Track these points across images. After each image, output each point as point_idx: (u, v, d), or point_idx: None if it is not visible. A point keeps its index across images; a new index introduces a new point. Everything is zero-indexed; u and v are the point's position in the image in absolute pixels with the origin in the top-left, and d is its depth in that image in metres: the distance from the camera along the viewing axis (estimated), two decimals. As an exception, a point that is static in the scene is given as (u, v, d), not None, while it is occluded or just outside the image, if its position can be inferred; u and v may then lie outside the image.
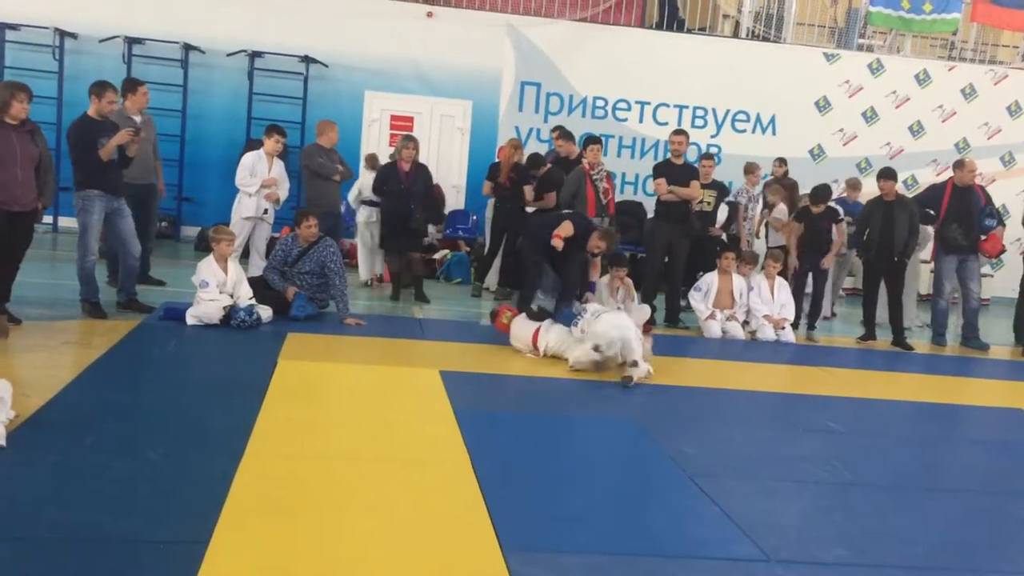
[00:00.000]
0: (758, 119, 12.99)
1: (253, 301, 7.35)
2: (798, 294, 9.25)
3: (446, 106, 12.61)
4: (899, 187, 9.61)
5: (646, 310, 8.42)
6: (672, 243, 9.19)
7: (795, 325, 9.09)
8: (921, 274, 10.75)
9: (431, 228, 11.49)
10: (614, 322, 6.81)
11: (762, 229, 11.00)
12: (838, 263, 10.37)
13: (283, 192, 9.07)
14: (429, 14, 12.49)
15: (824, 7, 14.39)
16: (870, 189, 9.66)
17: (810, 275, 9.37)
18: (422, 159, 9.69)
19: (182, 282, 8.14)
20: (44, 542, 3.22)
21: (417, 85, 12.57)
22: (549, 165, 10.04)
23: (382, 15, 12.35)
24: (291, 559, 3.24)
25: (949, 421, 6.52)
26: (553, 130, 10.79)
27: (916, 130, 13.27)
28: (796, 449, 5.30)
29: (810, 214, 9.31)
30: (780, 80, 12.83)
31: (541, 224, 8.37)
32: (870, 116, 13.18)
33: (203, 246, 10.32)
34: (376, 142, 12.32)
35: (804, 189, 10.91)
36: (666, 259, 9.34)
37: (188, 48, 11.99)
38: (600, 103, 12.73)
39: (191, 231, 12.03)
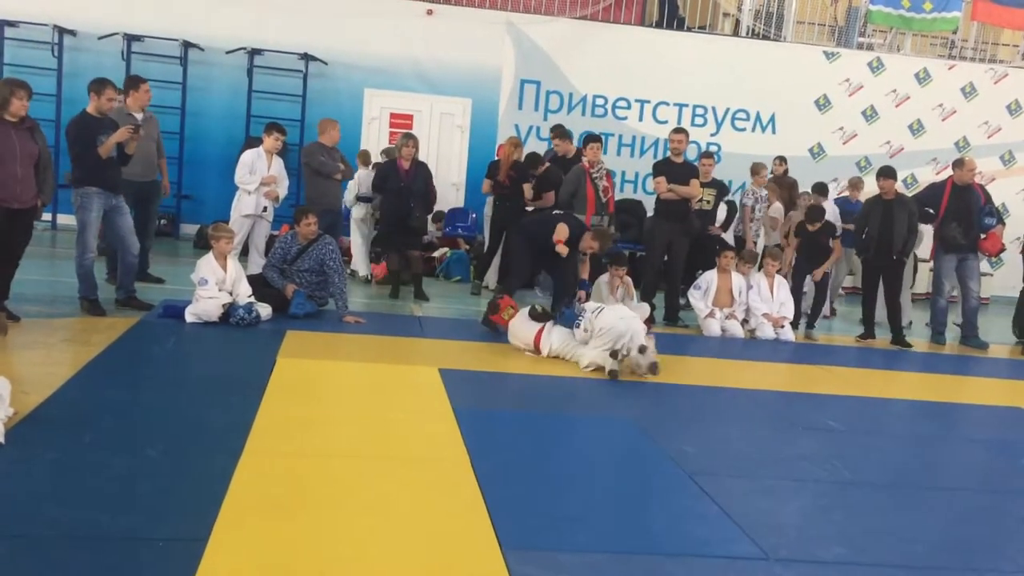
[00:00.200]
0: (758, 117, 13.00)
1: (252, 299, 7.34)
2: (797, 293, 9.25)
3: (446, 104, 12.60)
4: (899, 186, 9.61)
5: (645, 308, 8.42)
6: (672, 241, 9.19)
7: (795, 324, 9.09)
8: (918, 273, 10.75)
9: (431, 226, 11.49)
10: (618, 315, 6.86)
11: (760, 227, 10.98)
12: (837, 263, 10.38)
13: (282, 190, 9.07)
14: (429, 12, 12.48)
15: (824, 6, 14.40)
16: (872, 188, 9.65)
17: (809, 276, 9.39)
18: (422, 157, 9.67)
19: (181, 280, 8.14)
20: (43, 539, 3.22)
21: (417, 83, 12.56)
22: (547, 164, 10.04)
23: (382, 13, 12.34)
24: (290, 557, 3.24)
25: (948, 420, 6.52)
26: (552, 130, 10.79)
27: (916, 129, 13.28)
28: (795, 448, 5.30)
29: (807, 232, 9.33)
30: (780, 78, 12.84)
31: (530, 224, 8.37)
32: (870, 115, 13.18)
33: (202, 244, 10.32)
34: (376, 140, 12.32)
35: (804, 187, 10.93)
36: (665, 257, 9.34)
37: (187, 45, 11.98)
38: (600, 101, 12.73)
39: (190, 229, 12.03)
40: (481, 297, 9.86)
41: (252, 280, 7.61)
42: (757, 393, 6.63)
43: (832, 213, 10.64)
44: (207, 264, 7.23)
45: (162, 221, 11.40)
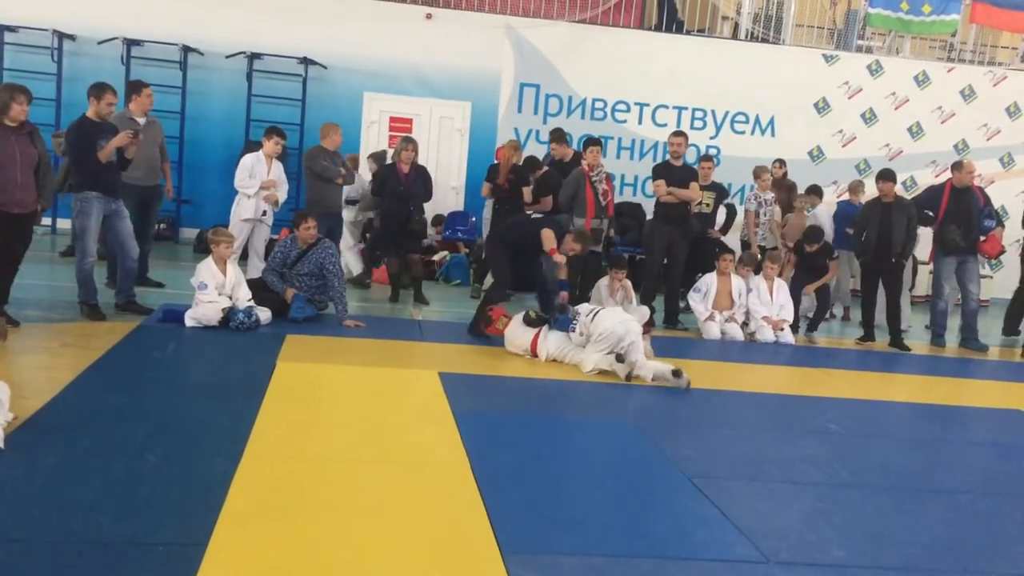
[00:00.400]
0: (757, 120, 13.00)
1: (252, 303, 7.35)
2: (795, 296, 9.25)
3: (445, 108, 12.59)
4: (898, 188, 9.62)
5: (645, 311, 8.43)
6: (671, 244, 9.19)
7: (794, 327, 9.09)
8: (918, 275, 10.75)
9: (430, 230, 11.49)
10: (617, 318, 6.88)
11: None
12: (844, 265, 10.41)
13: (282, 194, 9.07)
14: (428, 16, 12.50)
15: (823, 9, 14.41)
16: (873, 191, 9.67)
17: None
18: (421, 161, 9.68)
19: (181, 284, 8.14)
20: (42, 544, 3.22)
21: (416, 87, 12.56)
22: (545, 168, 10.06)
23: (381, 17, 12.36)
24: (290, 561, 3.24)
25: (948, 422, 6.52)
26: (550, 134, 10.81)
27: (915, 131, 13.28)
28: (795, 450, 5.30)
29: (804, 252, 9.33)
30: (779, 81, 12.84)
31: (505, 230, 8.33)
32: (869, 117, 13.19)
33: (202, 248, 10.33)
34: (375, 144, 12.31)
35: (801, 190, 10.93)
36: (665, 260, 9.35)
37: (187, 50, 11.99)
38: (599, 104, 12.74)
39: (190, 233, 12.03)
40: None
41: (252, 284, 7.62)
42: (757, 396, 6.63)
43: (825, 216, 10.67)
44: (207, 268, 7.23)
45: (162, 225, 11.41)
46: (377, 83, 12.43)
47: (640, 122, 12.83)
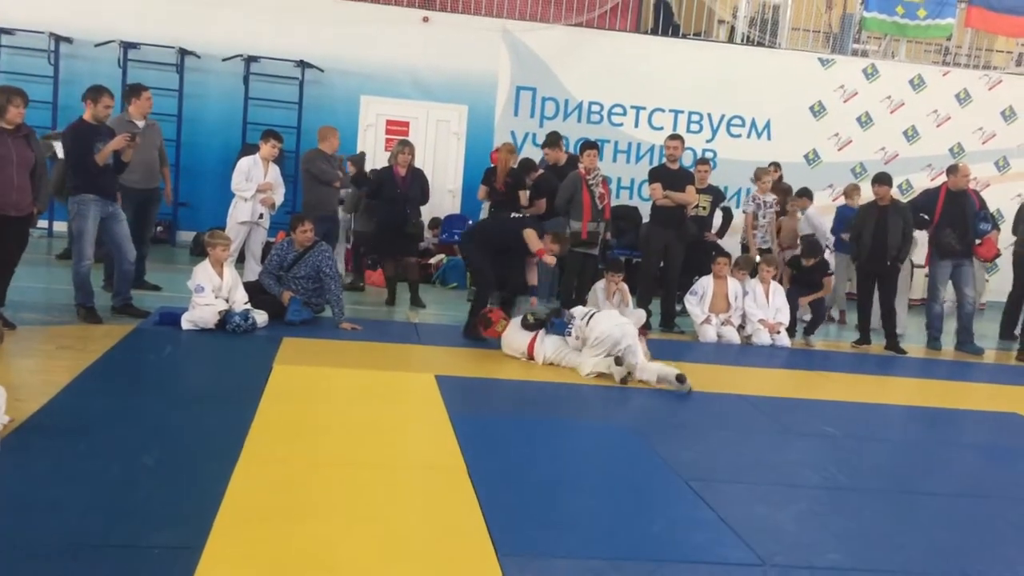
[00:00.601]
0: (753, 124, 13.03)
1: (248, 306, 7.34)
2: (793, 304, 9.25)
3: (442, 111, 12.62)
4: (894, 192, 9.63)
5: (641, 314, 8.44)
6: (668, 248, 9.20)
7: (791, 330, 9.10)
8: (914, 279, 10.76)
9: (427, 233, 11.50)
10: (612, 321, 6.90)
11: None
12: (841, 268, 10.42)
13: (279, 197, 9.08)
14: (425, 19, 12.51)
15: (819, 12, 14.44)
16: (868, 194, 9.68)
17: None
18: (418, 164, 9.68)
19: (178, 287, 8.14)
20: (38, 547, 3.21)
21: (413, 90, 12.57)
22: (541, 171, 10.07)
23: (378, 20, 12.36)
24: (286, 564, 3.24)
25: (944, 425, 6.53)
26: (546, 138, 10.81)
27: (911, 135, 13.31)
28: (791, 453, 5.31)
29: (800, 266, 9.32)
30: (775, 85, 12.87)
31: (480, 230, 8.30)
32: (865, 121, 13.22)
33: (199, 251, 10.32)
34: (372, 147, 12.33)
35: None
36: (661, 264, 9.35)
37: (184, 53, 11.99)
38: (596, 108, 12.75)
39: (187, 236, 12.02)
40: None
41: (248, 287, 7.61)
42: (753, 399, 6.64)
43: (817, 219, 10.67)
44: (203, 271, 7.23)
45: (158, 228, 11.39)
46: (374, 86, 12.44)
47: (636, 125, 12.85)
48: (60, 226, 11.20)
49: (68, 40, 11.84)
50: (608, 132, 12.70)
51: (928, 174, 13.16)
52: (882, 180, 9.17)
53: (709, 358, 8.12)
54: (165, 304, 7.72)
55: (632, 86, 12.73)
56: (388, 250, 9.35)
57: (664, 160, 9.57)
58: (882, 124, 13.23)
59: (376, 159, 11.93)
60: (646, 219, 10.13)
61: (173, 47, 11.92)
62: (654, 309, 9.25)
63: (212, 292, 7.17)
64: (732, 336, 8.86)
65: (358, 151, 11.49)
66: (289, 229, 8.17)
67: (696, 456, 5.03)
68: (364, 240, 10.42)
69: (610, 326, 6.78)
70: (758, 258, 9.57)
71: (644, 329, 8.31)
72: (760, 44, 13.52)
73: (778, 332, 8.90)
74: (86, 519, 3.46)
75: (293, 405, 5.31)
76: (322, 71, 12.34)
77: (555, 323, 7.17)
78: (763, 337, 8.86)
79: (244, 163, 8.95)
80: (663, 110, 12.87)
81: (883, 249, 9.01)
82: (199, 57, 12.09)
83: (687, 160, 10.93)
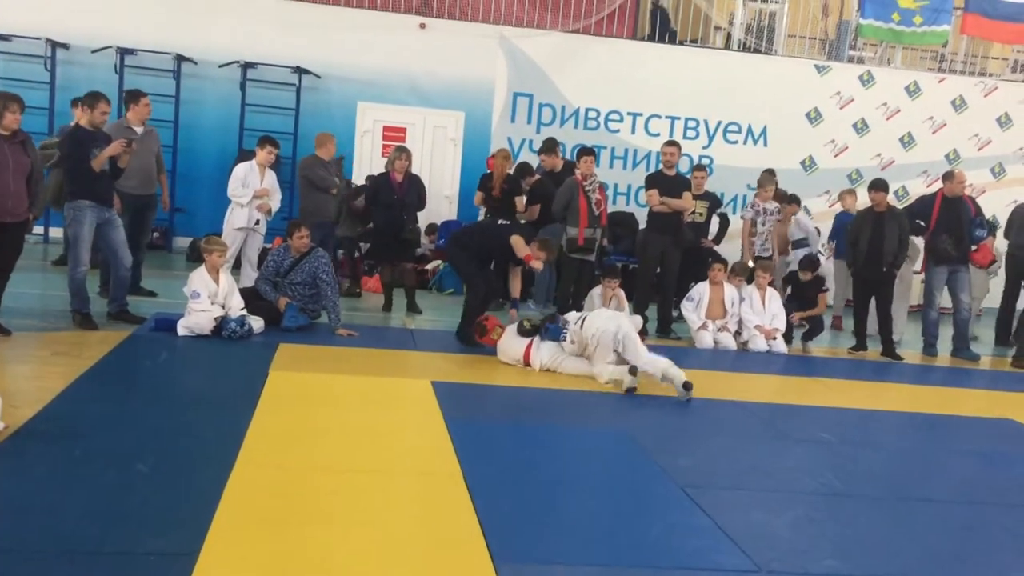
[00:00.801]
0: (750, 130, 13.04)
1: (245, 312, 7.34)
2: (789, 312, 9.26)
3: (439, 117, 12.62)
4: (890, 198, 9.64)
5: (638, 320, 8.42)
6: (664, 254, 9.21)
7: (788, 337, 9.09)
8: (913, 286, 10.77)
9: (424, 239, 11.50)
10: (603, 317, 6.96)
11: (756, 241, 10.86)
12: (839, 274, 10.41)
13: (275, 203, 9.08)
14: (422, 25, 12.52)
15: (815, 19, 14.47)
16: (865, 198, 9.69)
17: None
18: (414, 170, 9.70)
19: (173, 293, 8.12)
20: (33, 554, 3.21)
21: (410, 96, 12.58)
22: (537, 177, 10.09)
23: (375, 26, 12.37)
24: (282, 570, 3.24)
25: (940, 432, 6.54)
26: (541, 144, 10.84)
27: (907, 141, 13.33)
28: (788, 460, 5.31)
29: (797, 281, 9.33)
30: (771, 91, 12.89)
31: (463, 235, 8.27)
32: (861, 127, 13.24)
33: (195, 257, 10.31)
34: (369, 153, 12.35)
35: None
36: (658, 270, 9.36)
37: (180, 59, 11.99)
38: (592, 114, 12.76)
39: (183, 242, 12.01)
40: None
41: (245, 293, 7.62)
42: (749, 405, 6.64)
43: (809, 223, 10.67)
44: (199, 277, 7.23)
45: (155, 234, 11.39)
46: (371, 92, 12.45)
47: (633, 132, 12.86)
48: (56, 232, 11.19)
49: (65, 46, 11.84)
50: (605, 138, 12.71)
51: (924, 180, 13.17)
52: (878, 187, 9.18)
53: (705, 364, 8.12)
54: (161, 310, 7.71)
55: (629, 92, 12.74)
56: (385, 256, 9.35)
57: (661, 166, 9.59)
58: (878, 131, 13.25)
59: (373, 165, 11.94)
60: (643, 225, 10.13)
61: (170, 53, 11.92)
62: (651, 315, 9.25)
63: (208, 298, 7.17)
64: (728, 342, 8.87)
65: (356, 159, 11.50)
66: (286, 235, 8.17)
67: (692, 462, 5.03)
68: (348, 245, 10.45)
69: (601, 321, 6.82)
70: (751, 263, 9.59)
71: (641, 335, 8.30)
72: (756, 51, 13.54)
73: (774, 338, 8.91)
74: (82, 525, 3.46)
75: (289, 411, 5.31)
76: (319, 77, 12.35)
77: (550, 329, 7.17)
78: (759, 343, 8.86)
79: (240, 169, 8.95)
80: (660, 116, 12.87)
81: (879, 255, 9.02)
82: (196, 63, 12.10)
83: (684, 166, 10.94)
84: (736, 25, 13.82)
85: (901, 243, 9.07)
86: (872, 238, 9.05)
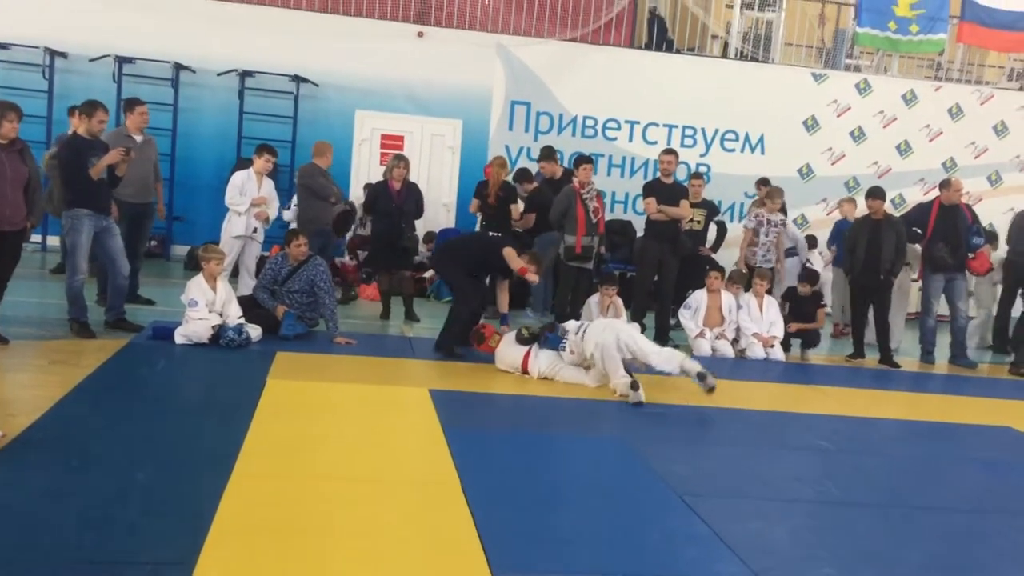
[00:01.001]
0: (747, 138, 13.06)
1: (242, 320, 7.33)
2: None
3: (436, 125, 12.64)
4: (888, 206, 9.65)
5: (636, 328, 8.42)
6: (662, 262, 9.21)
7: (786, 344, 9.08)
8: (910, 293, 10.79)
9: (421, 247, 11.51)
10: (601, 327, 6.94)
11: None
12: (839, 282, 10.41)
13: (273, 211, 9.09)
14: (420, 34, 12.54)
15: (812, 28, 14.50)
16: (861, 207, 9.70)
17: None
18: (412, 178, 9.71)
19: (171, 301, 8.12)
20: (30, 563, 3.20)
21: (407, 104, 12.60)
22: (536, 185, 10.10)
23: (373, 35, 12.39)
24: (279, 580, 3.23)
25: (938, 439, 6.53)
26: (540, 152, 10.84)
27: (904, 149, 13.36)
28: (786, 468, 5.31)
29: (796, 296, 9.33)
30: (768, 100, 12.91)
31: (450, 247, 8.24)
32: (858, 135, 13.27)
33: (193, 265, 10.30)
34: (367, 161, 12.36)
35: (792, 209, 10.93)
36: (656, 278, 9.37)
37: (179, 67, 12.00)
38: (590, 122, 12.78)
39: (181, 250, 11.99)
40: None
41: (242, 301, 7.61)
42: (747, 413, 6.64)
43: (792, 231, 10.68)
44: (197, 285, 7.23)
45: (152, 242, 11.38)
46: (369, 101, 12.46)
47: (630, 140, 12.88)
48: (54, 240, 11.19)
49: (63, 55, 11.85)
50: (602, 146, 12.73)
51: (921, 188, 13.20)
52: (875, 194, 9.20)
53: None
54: (159, 318, 7.71)
55: (626, 101, 12.77)
56: (383, 264, 9.35)
57: (658, 174, 9.59)
58: (875, 139, 13.28)
59: (371, 173, 11.94)
60: (640, 233, 10.13)
61: (168, 62, 11.93)
62: (648, 323, 9.24)
63: (206, 306, 7.16)
64: (726, 350, 8.87)
65: (354, 167, 11.49)
66: (284, 243, 8.17)
67: (690, 471, 5.03)
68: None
69: (599, 335, 6.78)
70: (744, 269, 9.59)
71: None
72: (754, 59, 13.58)
73: (772, 346, 8.91)
74: (78, 533, 3.45)
75: (287, 420, 5.30)
76: (317, 85, 12.36)
77: (549, 337, 7.16)
78: (757, 351, 8.86)
79: (238, 177, 8.96)
80: (657, 124, 12.90)
81: (877, 263, 9.02)
82: (194, 72, 12.11)
83: (681, 174, 10.95)
84: (733, 34, 13.85)
85: (898, 251, 9.08)
86: (869, 246, 9.05)
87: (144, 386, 6.04)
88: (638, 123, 12.87)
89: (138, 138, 8.45)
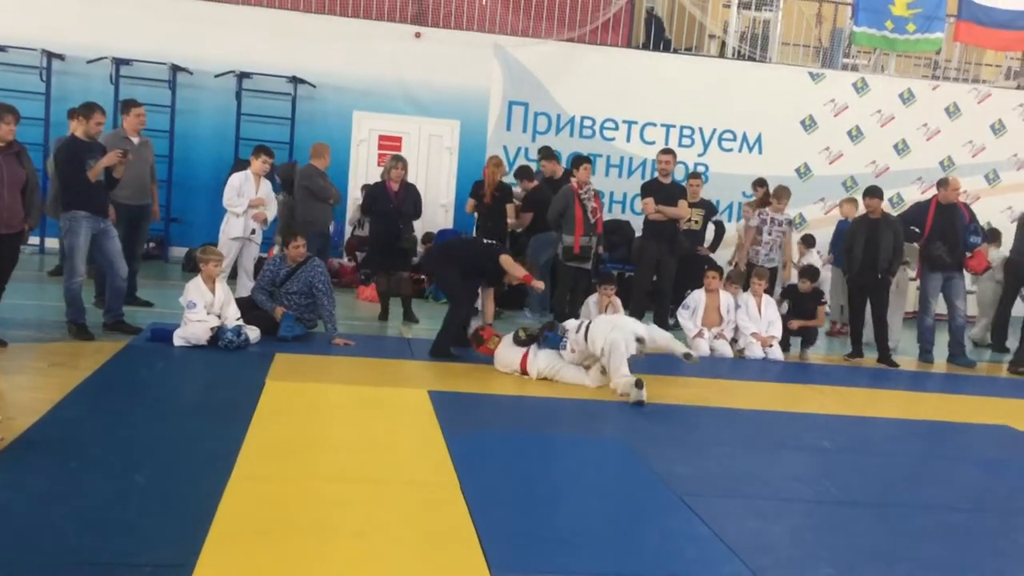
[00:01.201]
0: (744, 138, 13.07)
1: (241, 322, 7.33)
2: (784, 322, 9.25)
3: (434, 126, 12.64)
4: (885, 205, 9.66)
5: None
6: (660, 262, 9.22)
7: (785, 344, 9.08)
8: (908, 292, 10.80)
9: (420, 247, 11.50)
10: (606, 326, 6.92)
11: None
12: (838, 282, 10.42)
13: (270, 212, 9.08)
14: (417, 35, 12.54)
15: (809, 27, 14.51)
16: (860, 208, 9.69)
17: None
18: (410, 179, 9.71)
19: (169, 303, 8.12)
20: (29, 565, 3.20)
21: (405, 105, 12.60)
22: (536, 184, 10.10)
23: (370, 35, 12.39)
24: (278, 582, 3.23)
25: (937, 438, 6.54)
26: (539, 151, 10.84)
27: (901, 148, 13.37)
28: (785, 468, 5.31)
29: (796, 293, 9.34)
30: (766, 99, 12.93)
31: (452, 251, 8.20)
32: (855, 135, 13.28)
33: (191, 267, 10.30)
34: (365, 162, 12.36)
35: (791, 208, 10.91)
36: (654, 278, 9.37)
37: (176, 69, 11.99)
38: (588, 122, 12.79)
39: (179, 252, 11.99)
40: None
41: (241, 303, 7.60)
42: (746, 413, 6.64)
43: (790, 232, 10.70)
44: (195, 287, 7.22)
45: (150, 244, 11.37)
46: (366, 102, 12.46)
47: (628, 140, 12.89)
48: (52, 243, 11.17)
49: (60, 57, 11.84)
50: (600, 146, 12.73)
51: (919, 187, 13.21)
52: (873, 193, 9.20)
53: (702, 372, 8.09)
54: (157, 320, 7.71)
55: (624, 101, 12.77)
56: (381, 265, 9.35)
57: (656, 174, 9.61)
58: (873, 138, 13.29)
59: (369, 174, 11.94)
60: (638, 233, 10.14)
61: (165, 63, 11.92)
62: (647, 323, 9.24)
63: (204, 308, 7.16)
64: (725, 350, 8.87)
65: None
66: (282, 244, 8.16)
67: (689, 470, 5.02)
68: None
69: (606, 330, 6.79)
70: (742, 268, 9.59)
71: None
72: (751, 59, 13.58)
73: (770, 345, 8.91)
74: (77, 536, 3.45)
75: (286, 421, 5.30)
76: (314, 87, 12.36)
77: (550, 337, 7.15)
78: (756, 351, 8.86)
79: (235, 179, 8.95)
80: (655, 124, 12.91)
81: (875, 262, 9.03)
82: (191, 73, 12.10)
83: (679, 174, 10.95)
84: (730, 33, 13.86)
85: (896, 250, 9.09)
86: (867, 245, 9.06)
87: (143, 388, 6.04)
88: (636, 123, 12.88)
89: (135, 140, 8.45)
